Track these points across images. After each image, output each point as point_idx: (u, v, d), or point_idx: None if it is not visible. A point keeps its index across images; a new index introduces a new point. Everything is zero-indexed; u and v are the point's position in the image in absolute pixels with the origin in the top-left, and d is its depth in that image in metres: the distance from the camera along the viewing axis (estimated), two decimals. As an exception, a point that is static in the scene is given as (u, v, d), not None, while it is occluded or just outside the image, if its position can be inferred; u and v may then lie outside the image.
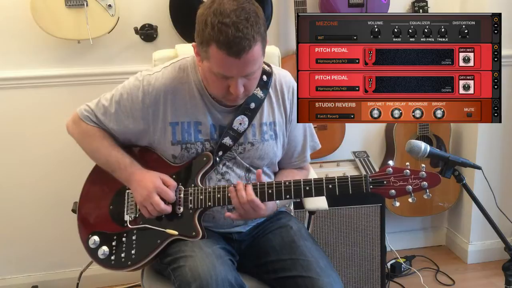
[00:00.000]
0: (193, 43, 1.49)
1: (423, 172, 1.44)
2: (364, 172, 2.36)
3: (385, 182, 1.45)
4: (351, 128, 2.63)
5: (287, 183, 1.50)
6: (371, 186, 1.45)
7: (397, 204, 1.46)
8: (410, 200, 1.44)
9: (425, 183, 1.43)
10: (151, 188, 1.53)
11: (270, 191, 1.51)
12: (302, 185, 1.49)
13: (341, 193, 1.47)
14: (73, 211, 1.71)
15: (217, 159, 1.59)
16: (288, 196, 1.50)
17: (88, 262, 1.73)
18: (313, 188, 1.49)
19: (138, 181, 1.56)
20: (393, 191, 1.44)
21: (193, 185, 1.57)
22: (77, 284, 2.37)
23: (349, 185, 1.46)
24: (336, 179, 1.48)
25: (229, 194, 1.51)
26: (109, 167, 1.62)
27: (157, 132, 1.59)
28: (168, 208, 1.55)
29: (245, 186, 1.50)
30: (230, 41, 1.35)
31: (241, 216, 1.52)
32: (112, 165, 1.61)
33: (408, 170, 1.44)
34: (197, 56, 1.50)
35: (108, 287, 2.59)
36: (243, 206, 1.48)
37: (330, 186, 1.48)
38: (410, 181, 1.43)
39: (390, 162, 1.47)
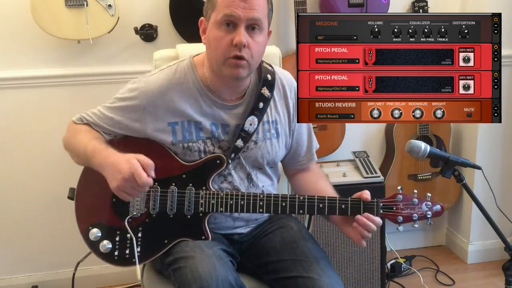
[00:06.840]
0: (201, 18, 1.54)
1: (429, 202, 1.53)
2: (364, 172, 2.36)
3: (394, 208, 1.52)
4: (351, 128, 2.63)
5: (301, 198, 1.53)
6: (381, 211, 1.51)
7: (401, 228, 1.53)
8: (412, 226, 1.55)
9: (430, 213, 1.53)
10: (126, 170, 1.40)
11: (283, 204, 1.52)
12: (316, 202, 1.51)
13: (352, 214, 1.50)
14: (70, 198, 1.62)
15: (229, 161, 1.59)
16: (301, 211, 1.53)
17: (80, 260, 1.68)
18: (326, 206, 1.51)
19: (111, 164, 1.44)
20: (400, 217, 1.52)
21: (204, 187, 1.56)
22: (72, 282, 2.34)
23: (361, 208, 1.50)
24: (349, 201, 1.51)
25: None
26: (87, 156, 1.51)
27: (157, 133, 1.58)
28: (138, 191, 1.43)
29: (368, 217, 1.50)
30: None
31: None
32: (90, 152, 1.50)
33: (416, 199, 1.53)
34: (203, 33, 1.54)
35: (108, 287, 2.60)
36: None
37: (343, 206, 1.51)
38: (417, 210, 1.53)
39: (399, 189, 1.54)
